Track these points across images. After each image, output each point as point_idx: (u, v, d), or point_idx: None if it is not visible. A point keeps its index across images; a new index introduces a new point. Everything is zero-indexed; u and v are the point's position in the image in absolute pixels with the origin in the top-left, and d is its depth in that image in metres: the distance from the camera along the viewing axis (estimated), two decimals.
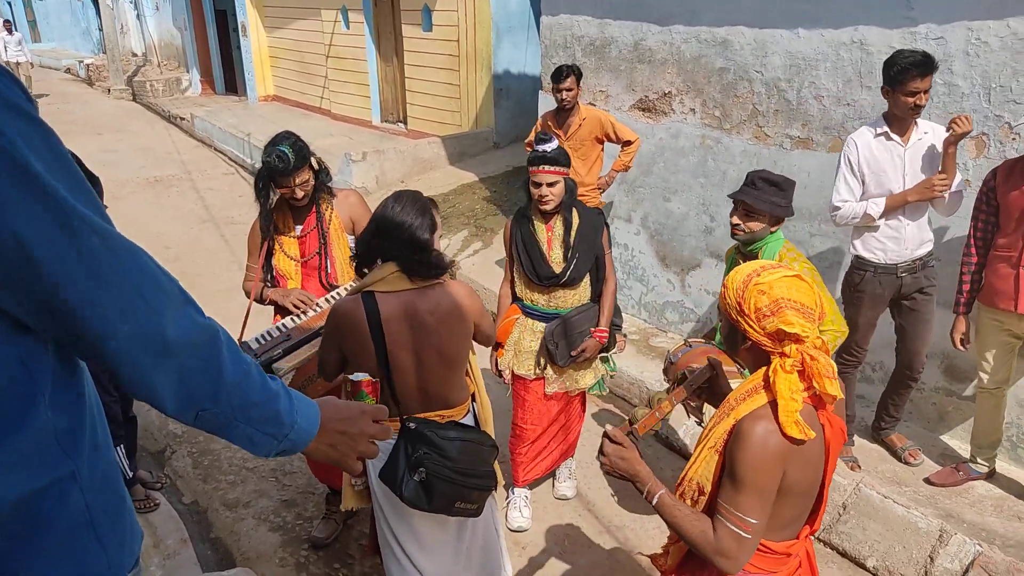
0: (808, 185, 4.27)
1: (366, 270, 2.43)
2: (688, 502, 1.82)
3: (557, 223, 3.35)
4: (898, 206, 3.44)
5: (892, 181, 3.45)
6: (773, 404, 1.68)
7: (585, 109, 5.08)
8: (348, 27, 11.65)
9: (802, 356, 1.67)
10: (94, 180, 4.72)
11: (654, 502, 1.77)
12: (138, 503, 3.54)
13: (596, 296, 3.49)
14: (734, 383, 2.29)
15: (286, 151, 2.95)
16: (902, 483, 3.67)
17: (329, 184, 3.24)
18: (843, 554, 3.49)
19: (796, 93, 4.31)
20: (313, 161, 3.10)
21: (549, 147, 3.22)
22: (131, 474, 3.61)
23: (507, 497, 3.71)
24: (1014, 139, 3.51)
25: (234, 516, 3.73)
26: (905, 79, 3.24)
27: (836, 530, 3.54)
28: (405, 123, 11.17)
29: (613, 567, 3.42)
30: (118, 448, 3.51)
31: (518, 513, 3.64)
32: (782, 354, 1.69)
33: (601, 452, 1.85)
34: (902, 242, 3.51)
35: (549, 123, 5.17)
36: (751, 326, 1.71)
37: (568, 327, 3.34)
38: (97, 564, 1.14)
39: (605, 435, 1.86)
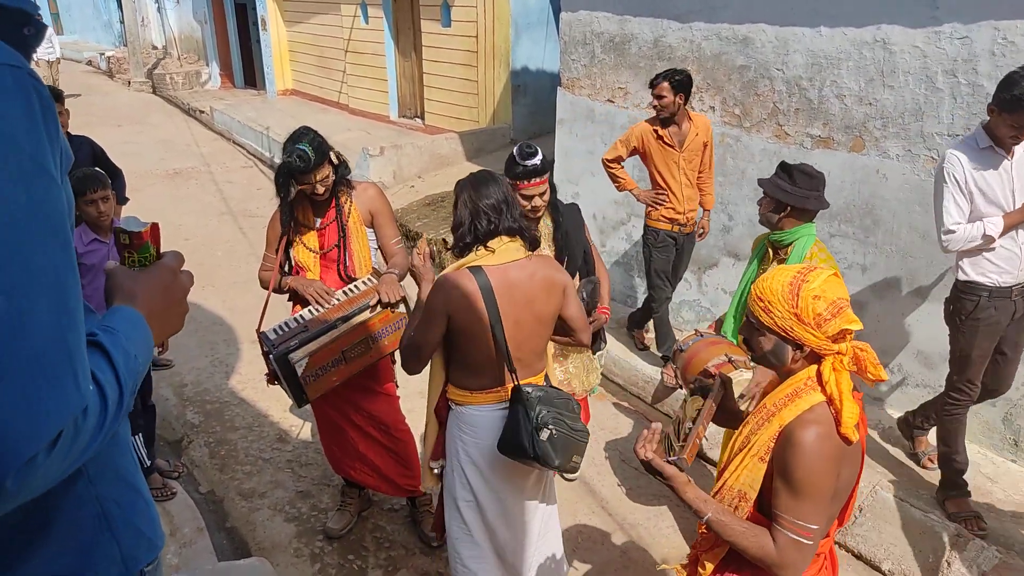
0: (829, 185, 4.20)
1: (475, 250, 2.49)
2: (727, 507, 1.80)
3: (544, 222, 3.36)
4: (1017, 224, 3.16)
5: (1000, 198, 3.16)
6: (819, 406, 1.66)
7: (697, 118, 4.53)
8: (367, 22, 11.67)
9: (855, 352, 1.67)
10: (116, 173, 4.77)
11: (704, 521, 1.74)
12: (155, 491, 3.57)
13: None
14: (742, 376, 2.28)
15: (306, 149, 2.95)
16: (919, 486, 3.64)
17: (348, 177, 3.25)
18: (858, 557, 3.46)
19: (817, 92, 4.27)
20: (332, 156, 3.11)
21: (536, 160, 3.12)
22: (149, 463, 3.65)
23: None
24: None
25: (250, 506, 3.76)
26: (1017, 110, 2.94)
27: (852, 532, 3.52)
28: (422, 118, 11.19)
29: (626, 564, 3.41)
30: (136, 437, 3.55)
31: None
32: (837, 353, 1.68)
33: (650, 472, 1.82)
34: (1018, 262, 3.21)
35: (659, 133, 4.45)
36: (811, 333, 1.67)
37: (591, 297, 3.34)
38: (110, 555, 1.14)
39: (649, 470, 1.80)
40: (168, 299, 1.17)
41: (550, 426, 2.35)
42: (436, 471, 2.73)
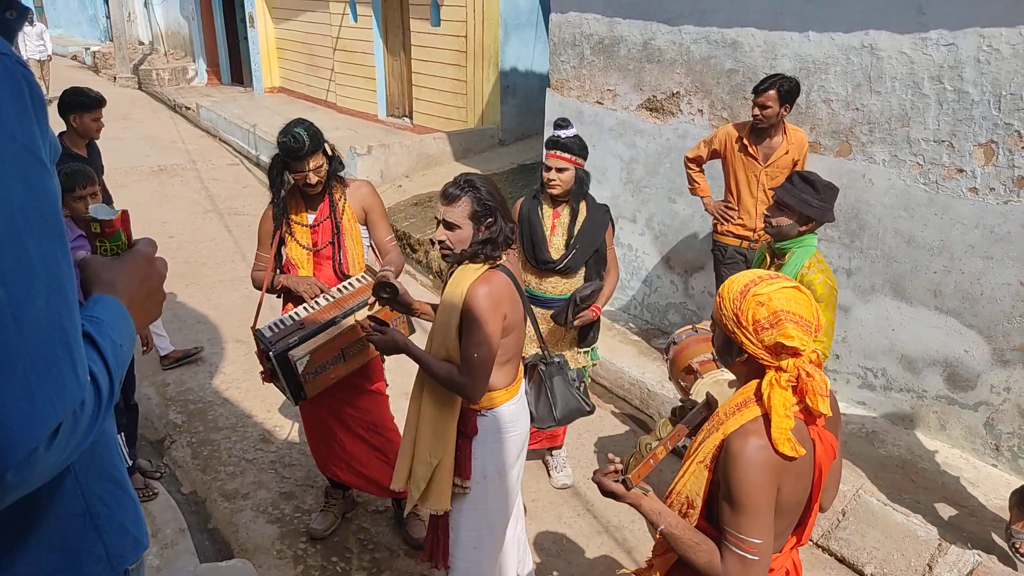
0: None
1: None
2: (677, 513, 1.78)
3: (564, 211, 3.47)
4: None
5: None
6: (764, 418, 1.63)
7: (793, 133, 4.13)
8: (356, 20, 11.63)
9: (798, 372, 1.62)
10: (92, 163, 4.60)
11: (658, 531, 1.73)
12: (137, 492, 3.52)
13: None
14: (723, 375, 2.26)
15: (301, 133, 2.95)
16: (902, 491, 3.66)
17: (341, 174, 3.23)
18: (841, 560, 3.48)
19: (805, 96, 4.29)
20: (327, 147, 3.09)
21: (566, 133, 3.34)
22: (131, 462, 3.61)
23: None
24: (1023, 148, 3.50)
25: (232, 507, 3.73)
26: None
27: (835, 536, 3.53)
28: (411, 118, 11.15)
29: (610, 567, 3.41)
30: (119, 436, 3.51)
31: (559, 472, 3.96)
32: (778, 368, 1.64)
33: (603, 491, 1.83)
34: None
35: (744, 142, 4.17)
36: (748, 339, 1.65)
37: (589, 298, 3.43)
38: (95, 553, 1.13)
39: (597, 483, 1.82)
40: (146, 286, 1.16)
41: (582, 383, 2.61)
42: (461, 492, 2.56)
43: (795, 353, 1.62)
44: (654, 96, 5.21)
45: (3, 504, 0.87)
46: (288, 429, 4.38)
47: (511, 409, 2.52)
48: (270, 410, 4.55)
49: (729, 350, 1.74)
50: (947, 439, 4.03)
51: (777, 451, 1.59)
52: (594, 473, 1.85)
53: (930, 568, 3.23)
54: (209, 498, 3.81)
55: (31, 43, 13.18)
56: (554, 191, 3.38)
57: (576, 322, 3.44)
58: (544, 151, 3.40)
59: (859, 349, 4.32)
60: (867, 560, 3.40)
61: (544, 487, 3.93)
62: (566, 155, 3.32)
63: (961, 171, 3.72)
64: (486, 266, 2.39)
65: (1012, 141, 3.53)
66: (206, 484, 3.91)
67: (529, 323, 2.69)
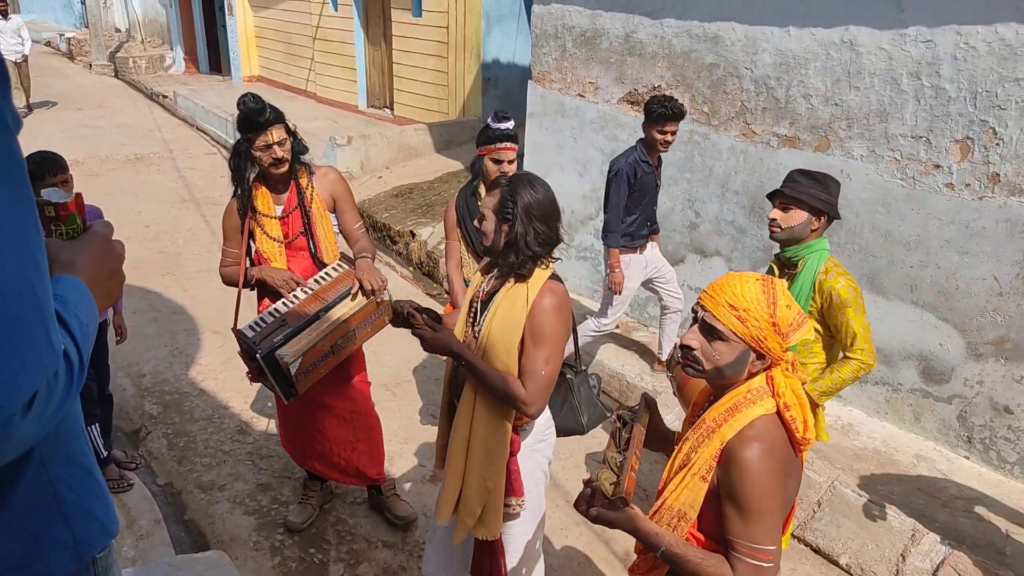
0: None
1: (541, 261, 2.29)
2: (664, 527, 1.72)
3: None
4: None
5: None
6: (760, 420, 1.62)
7: None
8: (336, 9, 11.53)
9: (793, 361, 1.65)
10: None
11: (659, 554, 1.65)
12: (112, 483, 3.49)
13: None
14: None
15: (259, 97, 2.88)
16: (878, 482, 3.70)
17: (306, 161, 3.14)
18: (816, 551, 3.52)
19: (785, 91, 4.32)
20: (288, 124, 3.01)
21: (509, 124, 3.30)
22: (105, 453, 3.57)
23: None
24: (998, 144, 3.54)
25: (209, 498, 3.70)
26: None
27: (810, 527, 3.57)
28: (391, 109, 11.09)
29: (589, 558, 3.42)
30: (92, 427, 3.46)
31: None
32: (783, 361, 1.68)
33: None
34: None
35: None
36: (780, 343, 1.62)
37: None
38: (61, 539, 1.10)
39: (594, 517, 1.70)
40: (105, 267, 1.15)
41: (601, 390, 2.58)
42: (521, 507, 2.41)
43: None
44: (635, 89, 5.21)
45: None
46: (265, 421, 4.34)
47: (544, 417, 2.46)
48: (247, 401, 4.52)
49: (743, 362, 1.67)
50: (921, 431, 4.09)
51: (801, 441, 1.62)
52: (578, 504, 1.73)
53: (903, 558, 3.28)
54: (185, 489, 3.77)
55: (5, 40, 11.46)
56: None
57: None
58: (485, 147, 3.34)
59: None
60: (842, 551, 3.44)
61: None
62: (515, 144, 3.33)
63: (938, 167, 3.76)
64: (544, 275, 2.24)
65: (987, 138, 3.58)
66: (182, 475, 3.87)
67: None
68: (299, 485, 3.72)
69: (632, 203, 4.27)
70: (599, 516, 1.66)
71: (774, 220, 2.78)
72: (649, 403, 1.93)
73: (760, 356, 1.65)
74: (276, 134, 2.92)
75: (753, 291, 1.62)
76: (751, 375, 1.69)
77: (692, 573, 1.62)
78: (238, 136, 3.00)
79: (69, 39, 18.76)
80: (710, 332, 1.66)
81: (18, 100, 11.17)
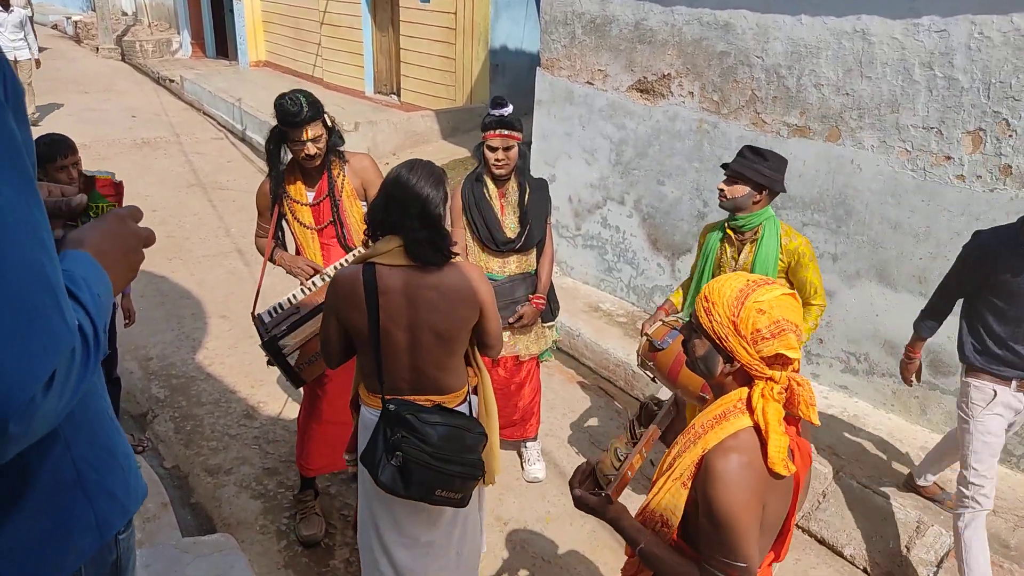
0: (803, 174, 4.27)
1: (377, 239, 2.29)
2: (648, 530, 1.70)
3: (510, 189, 3.45)
4: None
5: None
6: (745, 432, 1.55)
7: None
8: None
9: (790, 382, 1.54)
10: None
11: (636, 550, 1.64)
12: None
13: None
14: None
15: (300, 97, 2.88)
16: (883, 473, 3.70)
17: (341, 148, 3.15)
18: (821, 541, 3.52)
19: (796, 80, 4.28)
20: (327, 118, 3.02)
21: (506, 111, 3.29)
22: None
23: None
24: (1011, 136, 3.51)
25: (215, 482, 3.72)
26: None
27: (815, 517, 3.57)
28: (399, 95, 11.05)
29: (595, 545, 3.43)
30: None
31: (532, 466, 3.86)
32: (769, 379, 1.55)
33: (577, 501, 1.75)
34: None
35: None
36: (745, 348, 1.54)
37: (499, 295, 3.35)
38: (84, 519, 1.12)
39: (576, 497, 1.74)
40: (118, 244, 1.13)
41: (399, 452, 2.16)
42: (350, 468, 2.67)
43: (787, 363, 1.55)
44: (645, 77, 5.18)
45: (8, 456, 0.86)
46: (272, 405, 4.36)
47: (366, 416, 2.43)
48: (254, 386, 4.53)
49: (713, 360, 1.61)
50: (927, 424, 4.08)
51: (771, 471, 1.51)
52: (572, 479, 1.77)
53: (908, 549, 3.28)
54: (192, 473, 3.79)
55: (7, 34, 9.70)
56: (503, 171, 3.33)
57: (517, 324, 3.45)
58: (483, 133, 3.32)
59: (843, 334, 4.35)
60: (847, 542, 3.44)
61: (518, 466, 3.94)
62: (510, 132, 3.29)
63: (949, 158, 3.74)
64: (363, 255, 2.27)
65: (1000, 129, 3.55)
66: (189, 459, 3.89)
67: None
68: None
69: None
70: (581, 498, 1.71)
71: (721, 191, 3.04)
72: (679, 404, 1.89)
73: (728, 359, 1.58)
74: (312, 131, 2.93)
75: (730, 288, 1.57)
76: (725, 376, 1.61)
77: (665, 575, 1.62)
78: (273, 124, 3.00)
79: (76, 22, 18.70)
80: (690, 324, 1.67)
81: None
